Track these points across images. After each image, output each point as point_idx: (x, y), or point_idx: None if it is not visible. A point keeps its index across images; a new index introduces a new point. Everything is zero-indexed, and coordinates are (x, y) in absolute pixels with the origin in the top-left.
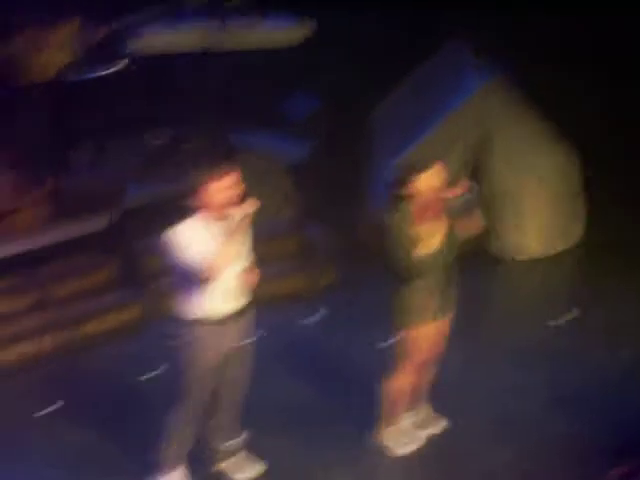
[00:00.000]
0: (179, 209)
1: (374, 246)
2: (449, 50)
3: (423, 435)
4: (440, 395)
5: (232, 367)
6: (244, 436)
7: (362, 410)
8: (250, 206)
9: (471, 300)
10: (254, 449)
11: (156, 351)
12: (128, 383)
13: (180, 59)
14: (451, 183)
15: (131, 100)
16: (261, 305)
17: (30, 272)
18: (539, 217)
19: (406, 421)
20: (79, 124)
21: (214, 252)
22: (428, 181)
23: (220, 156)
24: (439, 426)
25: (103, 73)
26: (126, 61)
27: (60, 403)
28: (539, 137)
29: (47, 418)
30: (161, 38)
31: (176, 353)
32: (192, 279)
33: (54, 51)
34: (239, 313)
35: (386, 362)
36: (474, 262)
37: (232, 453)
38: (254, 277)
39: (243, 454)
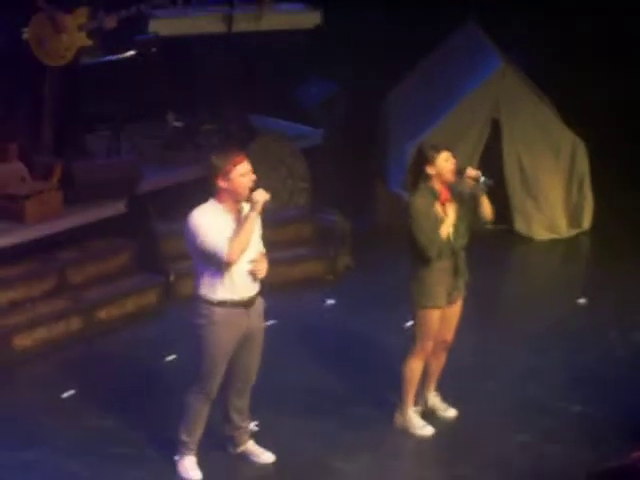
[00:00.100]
0: (199, 192)
1: (393, 227)
2: (462, 34)
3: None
4: (457, 378)
5: (246, 351)
6: (253, 424)
7: (381, 392)
8: (262, 195)
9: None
10: (273, 432)
11: (175, 335)
12: (147, 367)
13: (195, 43)
14: (464, 166)
15: (150, 83)
16: (278, 290)
17: (48, 257)
18: (554, 196)
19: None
20: (97, 107)
21: (233, 236)
22: (448, 161)
23: (243, 138)
24: (450, 412)
25: (121, 56)
26: (143, 45)
27: (78, 388)
28: (550, 120)
29: (66, 402)
30: (177, 22)
31: (199, 332)
32: (212, 263)
33: (72, 34)
34: (253, 298)
35: (405, 344)
36: (492, 242)
37: (243, 440)
38: (265, 265)
39: (253, 442)
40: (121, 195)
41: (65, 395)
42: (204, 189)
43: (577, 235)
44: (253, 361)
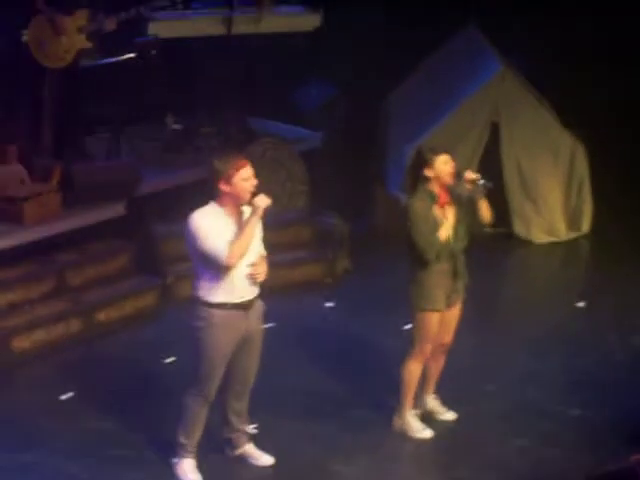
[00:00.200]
0: (198, 195)
1: (392, 230)
2: (462, 38)
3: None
4: (456, 381)
5: (245, 353)
6: (252, 427)
7: (380, 395)
8: (264, 201)
9: (486, 283)
10: (272, 435)
11: (173, 337)
12: (145, 369)
13: (195, 45)
14: (463, 169)
15: (150, 86)
16: (277, 292)
17: (47, 259)
18: (553, 200)
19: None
20: (97, 110)
21: (233, 240)
22: (447, 164)
23: (242, 141)
24: (449, 415)
25: (121, 59)
26: (142, 47)
27: (77, 390)
28: (549, 123)
29: (65, 404)
30: (176, 24)
31: (198, 335)
32: (211, 265)
33: (72, 36)
34: (252, 300)
35: (403, 347)
36: (491, 245)
37: (242, 442)
38: (264, 268)
39: (252, 445)
40: (120, 197)
41: (64, 397)
42: (203, 192)
43: (576, 238)
44: (252, 364)
